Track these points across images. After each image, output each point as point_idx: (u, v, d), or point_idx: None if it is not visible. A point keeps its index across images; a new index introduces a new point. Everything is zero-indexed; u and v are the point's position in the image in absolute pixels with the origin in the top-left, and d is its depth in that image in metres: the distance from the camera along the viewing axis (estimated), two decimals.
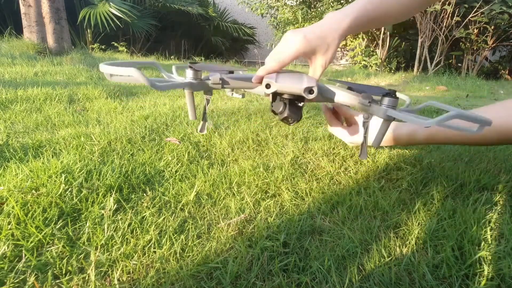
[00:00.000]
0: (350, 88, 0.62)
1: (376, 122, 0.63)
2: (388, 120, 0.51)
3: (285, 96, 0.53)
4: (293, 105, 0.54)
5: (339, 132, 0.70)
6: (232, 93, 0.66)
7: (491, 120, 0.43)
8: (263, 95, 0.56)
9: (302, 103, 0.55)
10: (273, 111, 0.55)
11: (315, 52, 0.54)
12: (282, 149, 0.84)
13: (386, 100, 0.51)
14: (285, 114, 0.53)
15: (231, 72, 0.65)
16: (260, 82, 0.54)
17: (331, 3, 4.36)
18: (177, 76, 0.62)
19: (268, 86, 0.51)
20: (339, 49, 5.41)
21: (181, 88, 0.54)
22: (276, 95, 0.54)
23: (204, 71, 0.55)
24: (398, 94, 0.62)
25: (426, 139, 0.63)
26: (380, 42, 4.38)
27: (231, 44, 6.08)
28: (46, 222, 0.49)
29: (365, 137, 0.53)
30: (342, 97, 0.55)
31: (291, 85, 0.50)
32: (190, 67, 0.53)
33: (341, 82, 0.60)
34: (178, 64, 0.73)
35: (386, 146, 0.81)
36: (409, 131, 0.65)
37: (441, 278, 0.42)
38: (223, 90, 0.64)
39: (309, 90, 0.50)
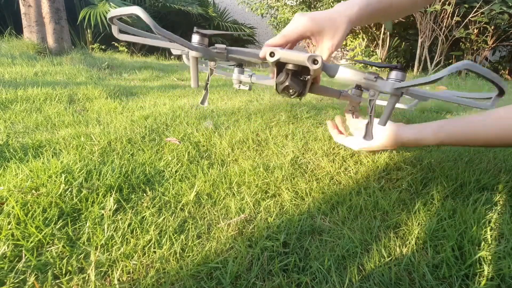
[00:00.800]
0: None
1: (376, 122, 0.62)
2: (396, 94, 0.50)
3: (290, 67, 0.52)
4: (296, 77, 0.52)
5: (346, 140, 0.70)
6: (239, 86, 0.66)
7: (500, 83, 0.42)
8: (272, 83, 0.56)
9: (306, 78, 0.53)
10: (276, 85, 0.54)
11: (322, 33, 0.52)
12: (282, 149, 0.84)
13: (394, 74, 0.49)
14: (286, 83, 0.52)
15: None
16: (265, 57, 0.52)
17: (331, 3, 4.37)
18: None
19: (272, 54, 0.50)
20: (339, 49, 5.41)
21: (184, 46, 0.53)
22: (280, 68, 0.53)
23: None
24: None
25: (434, 139, 0.62)
26: (380, 42, 4.38)
27: (231, 44, 6.08)
28: (46, 222, 0.49)
29: (370, 116, 0.51)
30: (346, 73, 0.53)
31: (295, 54, 0.49)
32: (197, 32, 0.53)
33: (359, 62, 0.59)
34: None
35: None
36: (415, 133, 0.64)
37: (441, 278, 0.42)
38: (231, 83, 0.66)
39: (313, 60, 0.48)
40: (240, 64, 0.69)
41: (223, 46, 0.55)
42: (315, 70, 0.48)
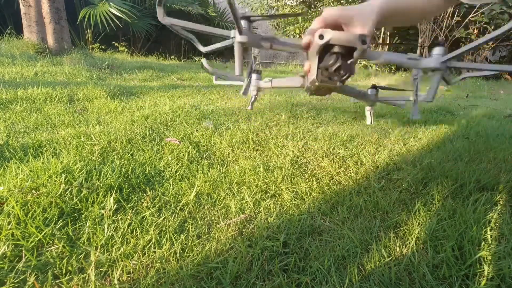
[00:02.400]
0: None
1: None
2: (440, 69, 0.51)
3: (336, 49, 0.50)
4: (344, 59, 0.51)
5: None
6: (256, 93, 0.65)
7: None
8: (296, 82, 0.57)
9: (351, 61, 0.52)
10: (320, 70, 0.52)
11: (353, 22, 0.52)
12: (282, 149, 0.84)
13: (437, 50, 0.51)
14: (338, 64, 0.50)
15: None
16: (308, 45, 0.52)
17: (331, 3, 4.37)
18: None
19: (321, 36, 0.49)
20: None
21: (230, 43, 0.55)
22: (323, 53, 0.51)
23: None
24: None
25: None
26: (380, 41, 4.38)
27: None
28: (46, 222, 0.49)
29: (416, 95, 0.53)
30: (390, 56, 0.55)
31: (344, 34, 0.48)
32: (244, 17, 0.54)
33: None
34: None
35: None
36: None
37: (441, 278, 0.42)
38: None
39: (363, 40, 0.48)
40: (259, 71, 0.70)
41: (271, 34, 0.54)
42: (363, 51, 0.47)
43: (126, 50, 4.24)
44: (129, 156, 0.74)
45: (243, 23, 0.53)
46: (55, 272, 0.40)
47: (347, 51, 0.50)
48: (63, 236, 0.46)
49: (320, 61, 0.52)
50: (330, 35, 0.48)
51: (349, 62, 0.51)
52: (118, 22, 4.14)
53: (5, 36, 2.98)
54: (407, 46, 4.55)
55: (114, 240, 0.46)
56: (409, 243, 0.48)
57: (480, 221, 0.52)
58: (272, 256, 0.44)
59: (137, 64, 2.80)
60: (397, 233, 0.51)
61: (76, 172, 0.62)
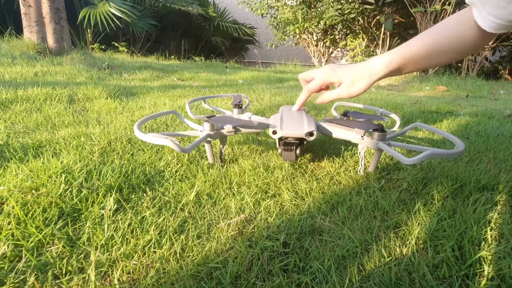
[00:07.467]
0: (346, 115, 0.80)
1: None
2: (379, 150, 0.64)
3: (290, 139, 0.63)
4: (286, 145, 0.65)
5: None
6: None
7: (463, 149, 0.54)
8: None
9: (304, 142, 0.64)
10: (279, 153, 0.66)
11: (340, 81, 0.58)
12: None
13: (376, 135, 0.62)
14: (286, 152, 0.64)
15: (239, 105, 0.84)
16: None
17: (331, 3, 4.36)
18: (193, 116, 0.81)
19: (274, 132, 0.60)
20: (339, 49, 5.41)
21: (203, 142, 0.65)
22: (280, 139, 0.65)
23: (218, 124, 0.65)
24: (389, 114, 0.85)
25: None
26: (380, 42, 4.38)
27: (231, 44, 6.08)
28: (46, 222, 0.49)
29: (361, 164, 0.69)
30: (339, 133, 0.67)
31: (295, 132, 0.59)
32: (207, 121, 0.64)
33: (337, 121, 0.71)
34: (190, 99, 0.91)
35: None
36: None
37: (441, 278, 0.42)
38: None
39: (310, 133, 0.59)
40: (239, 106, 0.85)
41: (231, 126, 0.65)
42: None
43: (126, 50, 4.24)
44: (129, 156, 0.74)
45: (207, 125, 0.64)
46: (55, 272, 0.40)
47: (300, 139, 0.63)
48: (63, 236, 0.46)
49: (279, 141, 0.67)
50: (281, 133, 0.60)
51: (299, 148, 0.65)
52: (118, 22, 4.14)
53: (5, 36, 2.98)
54: None
55: (114, 240, 0.46)
56: (409, 243, 0.48)
57: (480, 221, 0.52)
58: (272, 256, 0.44)
59: (137, 64, 2.80)
60: (397, 233, 0.51)
61: (76, 172, 0.62)
